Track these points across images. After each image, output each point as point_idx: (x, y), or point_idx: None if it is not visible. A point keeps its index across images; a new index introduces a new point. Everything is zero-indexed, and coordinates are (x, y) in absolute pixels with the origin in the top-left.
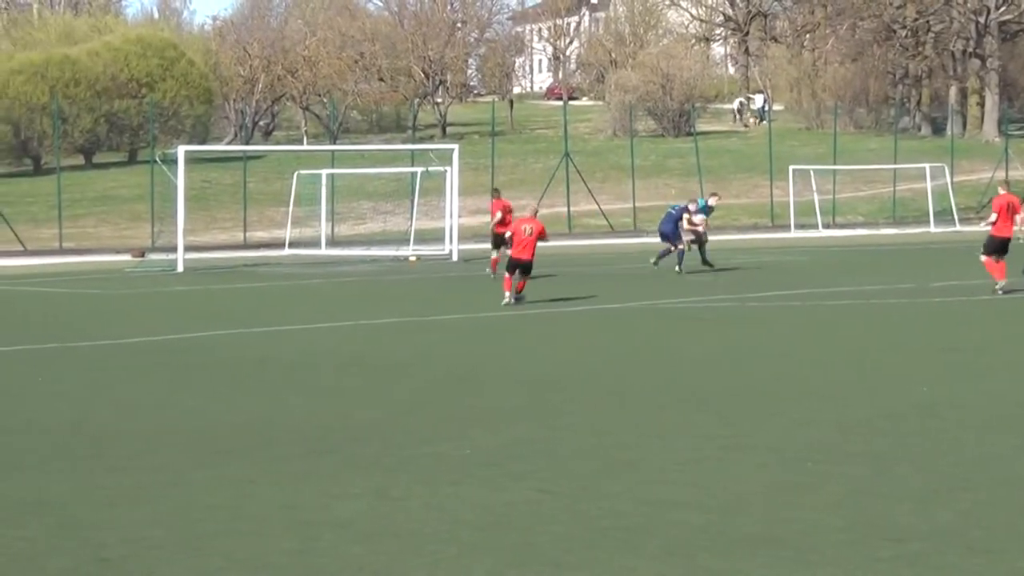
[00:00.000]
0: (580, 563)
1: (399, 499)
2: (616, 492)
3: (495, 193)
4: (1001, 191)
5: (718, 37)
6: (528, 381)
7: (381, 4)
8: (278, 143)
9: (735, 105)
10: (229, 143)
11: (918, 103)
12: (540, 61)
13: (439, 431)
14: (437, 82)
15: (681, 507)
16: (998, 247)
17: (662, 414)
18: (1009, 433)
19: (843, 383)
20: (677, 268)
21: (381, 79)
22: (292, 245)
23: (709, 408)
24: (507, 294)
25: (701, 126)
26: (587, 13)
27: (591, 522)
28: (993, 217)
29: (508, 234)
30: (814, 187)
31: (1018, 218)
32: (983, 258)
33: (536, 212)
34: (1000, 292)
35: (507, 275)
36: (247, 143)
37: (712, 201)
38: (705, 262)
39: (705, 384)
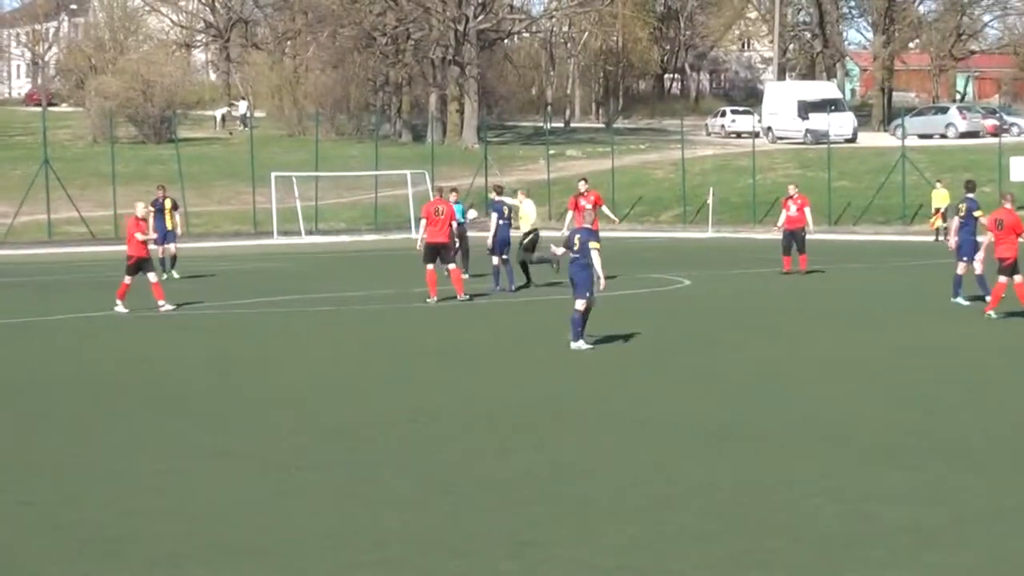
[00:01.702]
0: (62, 574)
1: None
2: (100, 503)
3: None
4: (581, 187)
5: (199, 43)
6: None
7: None
8: None
9: (217, 113)
10: None
11: (399, 110)
12: (19, 66)
13: None
14: None
15: (167, 517)
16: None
17: (148, 423)
18: (486, 436)
19: (327, 388)
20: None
21: None
22: None
23: (195, 417)
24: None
25: (183, 133)
26: (66, 18)
27: (72, 533)
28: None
29: None
30: (296, 194)
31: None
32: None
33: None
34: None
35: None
36: None
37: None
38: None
39: (191, 392)
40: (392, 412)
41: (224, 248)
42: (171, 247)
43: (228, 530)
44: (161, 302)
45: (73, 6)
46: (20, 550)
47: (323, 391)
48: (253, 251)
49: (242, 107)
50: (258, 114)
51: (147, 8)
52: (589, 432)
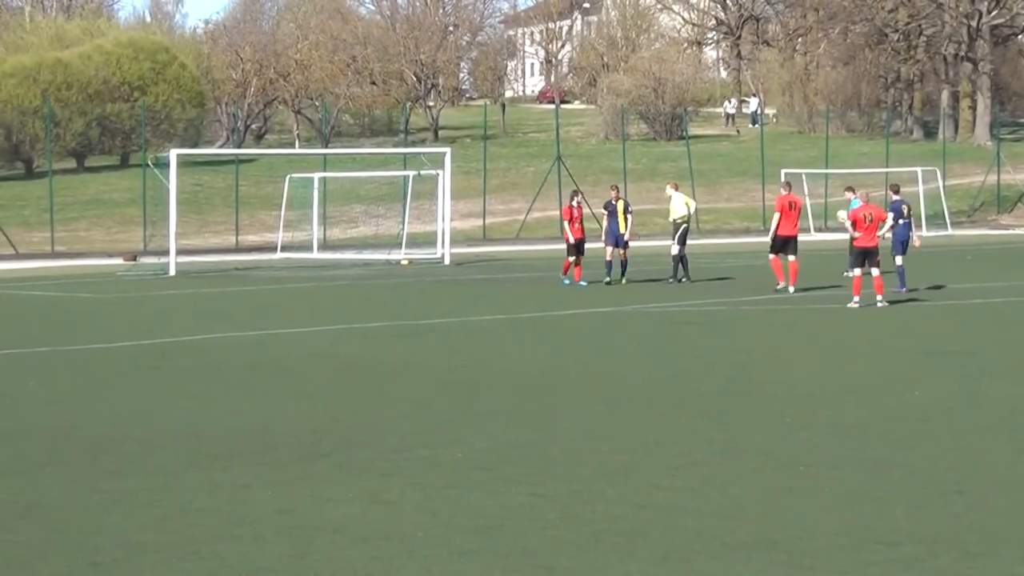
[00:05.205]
0: (574, 567)
1: (393, 503)
2: (610, 496)
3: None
4: (783, 191)
5: (710, 41)
6: (521, 385)
7: (373, 8)
8: (270, 147)
9: (725, 109)
10: (221, 146)
11: (910, 107)
12: (532, 64)
13: (432, 435)
14: (429, 86)
15: (676, 511)
16: (781, 245)
17: (656, 418)
18: (1001, 436)
19: (836, 386)
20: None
21: (373, 83)
22: (284, 249)
23: (703, 412)
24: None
25: (693, 130)
26: (579, 16)
27: (585, 526)
28: (777, 217)
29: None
30: (806, 191)
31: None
32: (770, 256)
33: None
34: (780, 292)
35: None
36: (239, 147)
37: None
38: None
39: (699, 388)
40: (902, 410)
41: (732, 245)
42: (620, 251)
43: (737, 525)
44: (879, 297)
45: (586, 5)
46: (533, 541)
47: (831, 387)
48: (762, 248)
49: (752, 104)
50: (768, 111)
51: (659, 6)
52: None
